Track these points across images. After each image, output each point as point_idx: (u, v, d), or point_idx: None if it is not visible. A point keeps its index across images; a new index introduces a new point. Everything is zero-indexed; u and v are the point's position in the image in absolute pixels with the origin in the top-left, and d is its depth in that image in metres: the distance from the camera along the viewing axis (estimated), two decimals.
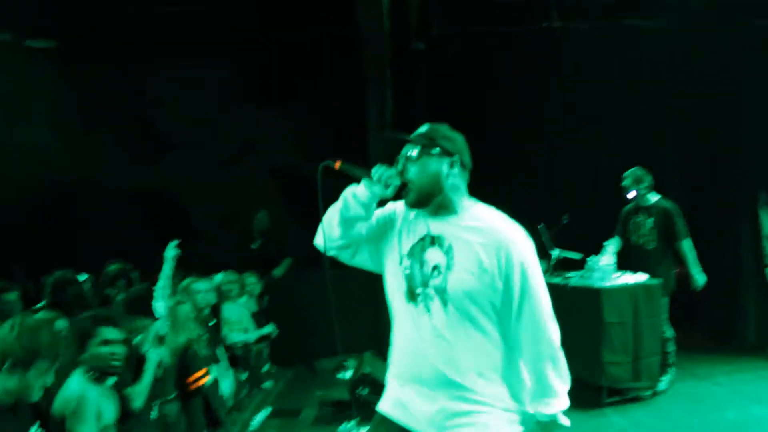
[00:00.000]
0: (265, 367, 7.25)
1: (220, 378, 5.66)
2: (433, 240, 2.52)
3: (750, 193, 8.14)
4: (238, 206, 8.93)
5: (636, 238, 6.74)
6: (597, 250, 6.57)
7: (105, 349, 3.64)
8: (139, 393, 4.35)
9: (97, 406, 3.55)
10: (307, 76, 8.98)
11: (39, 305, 5.22)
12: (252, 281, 7.38)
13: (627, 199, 6.75)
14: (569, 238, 7.28)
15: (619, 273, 6.39)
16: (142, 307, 4.83)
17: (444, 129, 2.58)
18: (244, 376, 6.41)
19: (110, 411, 3.68)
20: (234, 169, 9.30)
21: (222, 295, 6.61)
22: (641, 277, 6.37)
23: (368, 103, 8.36)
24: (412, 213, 2.61)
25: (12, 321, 2.91)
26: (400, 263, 2.56)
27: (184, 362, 4.96)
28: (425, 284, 2.49)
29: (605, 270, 6.35)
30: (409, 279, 2.52)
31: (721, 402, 6.13)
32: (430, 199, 2.52)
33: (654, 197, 6.69)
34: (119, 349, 3.73)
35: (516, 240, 2.51)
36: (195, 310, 5.56)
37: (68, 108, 9.13)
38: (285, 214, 8.89)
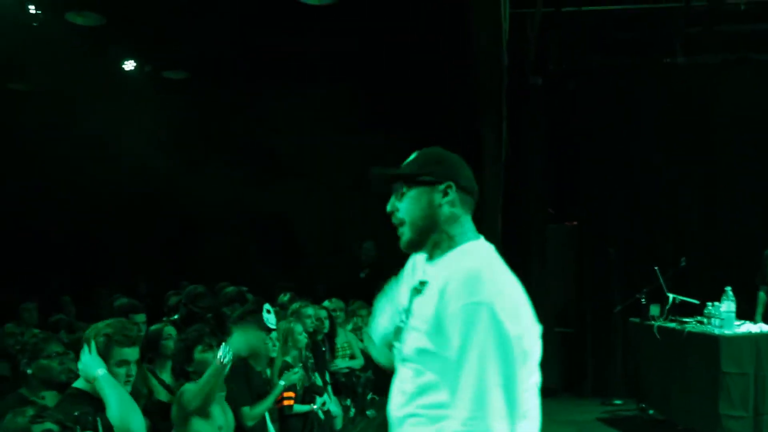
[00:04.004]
0: (369, 395, 7.35)
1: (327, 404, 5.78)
2: (420, 287, 2.13)
3: None
4: (351, 234, 9.16)
5: None
6: (717, 296, 6.30)
7: (208, 355, 3.80)
8: (254, 415, 4.53)
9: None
10: (424, 107, 9.14)
11: (173, 318, 5.51)
12: (362, 312, 7.51)
13: None
14: (688, 282, 7.02)
15: (740, 321, 6.10)
16: (253, 321, 5.01)
17: (433, 152, 2.18)
18: (347, 402, 6.51)
19: (219, 414, 3.81)
20: (349, 197, 9.56)
21: (331, 321, 6.78)
22: (765, 327, 6.06)
23: (484, 136, 8.40)
24: (419, 258, 2.25)
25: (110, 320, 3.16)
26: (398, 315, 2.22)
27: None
28: (398, 338, 2.16)
29: (726, 317, 6.08)
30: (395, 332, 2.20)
31: None
32: (425, 238, 2.14)
33: None
34: (211, 353, 3.87)
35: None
36: (305, 334, 5.74)
37: (197, 134, 9.74)
38: (396, 246, 9.02)
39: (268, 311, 5.12)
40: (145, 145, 9.21)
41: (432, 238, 2.13)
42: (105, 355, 3.06)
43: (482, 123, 8.31)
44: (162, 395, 4.23)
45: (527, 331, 1.99)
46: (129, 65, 9.05)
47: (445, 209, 2.10)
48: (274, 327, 5.04)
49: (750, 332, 5.96)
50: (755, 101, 8.11)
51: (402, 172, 2.16)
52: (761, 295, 6.57)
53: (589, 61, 8.67)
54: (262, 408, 4.64)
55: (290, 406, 5.24)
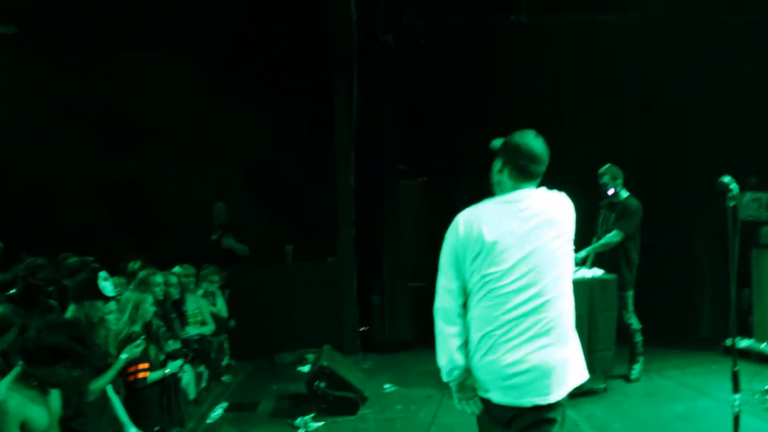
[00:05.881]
0: (225, 361, 7.29)
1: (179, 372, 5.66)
2: None
3: (706, 191, 8.26)
4: (204, 198, 8.91)
5: (602, 232, 6.81)
6: None
7: (64, 372, 3.48)
8: (94, 390, 4.35)
9: (21, 414, 3.38)
10: (276, 69, 8.95)
11: (10, 292, 5.17)
12: (214, 278, 7.38)
13: (606, 195, 6.75)
14: None
15: (577, 267, 6.47)
16: (90, 290, 4.79)
17: (512, 135, 3.09)
18: (201, 368, 6.41)
19: (41, 416, 3.50)
20: (201, 161, 9.24)
21: (180, 287, 6.61)
22: (597, 272, 6.48)
23: (335, 93, 8.37)
24: None
25: None
26: None
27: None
28: None
29: None
30: None
31: (671, 395, 6.27)
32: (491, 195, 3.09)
33: (625, 194, 6.76)
34: (76, 373, 3.59)
35: None
36: (154, 302, 5.57)
37: (34, 96, 9.04)
38: (251, 206, 8.90)
39: (105, 279, 4.91)
40: None
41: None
42: None
43: (333, 80, 8.29)
44: None
45: (502, 237, 2.86)
46: None
47: (493, 176, 3.10)
48: (112, 295, 4.85)
49: (584, 277, 6.34)
50: (596, 60, 8.52)
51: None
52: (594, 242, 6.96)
53: (438, 19, 8.77)
54: (102, 382, 4.49)
55: (145, 378, 5.10)
